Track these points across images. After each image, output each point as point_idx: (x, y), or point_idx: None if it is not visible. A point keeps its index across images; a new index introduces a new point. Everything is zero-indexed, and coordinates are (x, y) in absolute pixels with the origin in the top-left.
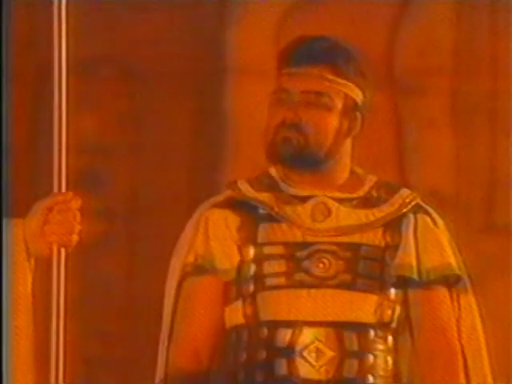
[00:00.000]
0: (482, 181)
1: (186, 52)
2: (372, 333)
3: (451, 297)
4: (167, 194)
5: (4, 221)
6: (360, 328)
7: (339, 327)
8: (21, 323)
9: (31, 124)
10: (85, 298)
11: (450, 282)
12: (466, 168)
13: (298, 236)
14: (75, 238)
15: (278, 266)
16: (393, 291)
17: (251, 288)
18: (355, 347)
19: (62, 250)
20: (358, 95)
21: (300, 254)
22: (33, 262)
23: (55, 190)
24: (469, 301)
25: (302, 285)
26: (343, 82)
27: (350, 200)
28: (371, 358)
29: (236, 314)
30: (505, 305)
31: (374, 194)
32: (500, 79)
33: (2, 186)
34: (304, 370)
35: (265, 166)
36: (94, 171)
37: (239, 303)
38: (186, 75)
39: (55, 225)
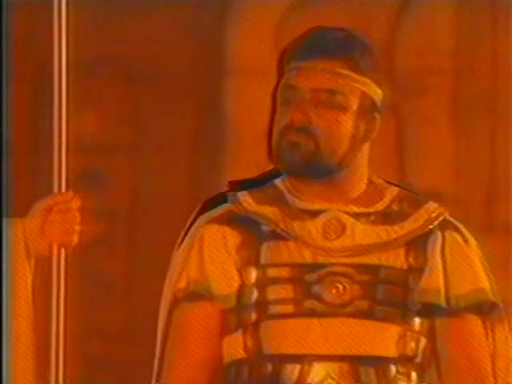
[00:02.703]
0: (482, 181)
1: (186, 52)
2: (393, 368)
3: (485, 328)
4: (167, 194)
5: (4, 221)
6: (379, 363)
7: (355, 362)
8: (21, 323)
9: (31, 124)
10: (85, 298)
11: (484, 310)
12: (466, 168)
13: (307, 256)
14: (75, 238)
15: (284, 292)
16: (417, 320)
17: (253, 317)
18: None
19: (62, 250)
20: (376, 93)
21: (310, 277)
22: (33, 261)
23: (55, 190)
24: (505, 333)
25: (312, 313)
26: (360, 78)
27: (368, 215)
28: None
29: (235, 347)
30: (504, 305)
31: (396, 207)
32: (500, 79)
33: (2, 186)
34: None
35: (265, 166)
36: (94, 171)
37: (239, 334)
38: (186, 76)
39: (55, 225)
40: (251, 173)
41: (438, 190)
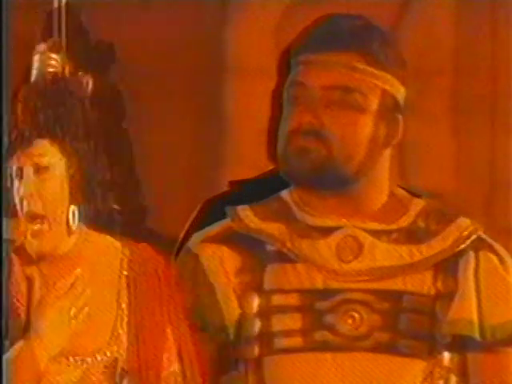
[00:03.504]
0: (482, 181)
1: (185, 52)
2: None
3: None
4: (167, 193)
5: (4, 221)
6: None
7: None
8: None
9: None
10: None
11: None
12: (466, 168)
13: (318, 281)
14: None
15: (291, 322)
16: (446, 355)
17: (256, 351)
18: None
19: None
20: (398, 91)
21: (321, 305)
22: None
23: None
24: None
25: (323, 347)
26: (379, 73)
27: (389, 232)
28: None
29: None
30: None
31: (422, 224)
32: (500, 79)
33: (2, 186)
34: None
35: (265, 166)
36: None
37: (240, 372)
38: (185, 75)
39: None
40: (251, 173)
41: (438, 190)
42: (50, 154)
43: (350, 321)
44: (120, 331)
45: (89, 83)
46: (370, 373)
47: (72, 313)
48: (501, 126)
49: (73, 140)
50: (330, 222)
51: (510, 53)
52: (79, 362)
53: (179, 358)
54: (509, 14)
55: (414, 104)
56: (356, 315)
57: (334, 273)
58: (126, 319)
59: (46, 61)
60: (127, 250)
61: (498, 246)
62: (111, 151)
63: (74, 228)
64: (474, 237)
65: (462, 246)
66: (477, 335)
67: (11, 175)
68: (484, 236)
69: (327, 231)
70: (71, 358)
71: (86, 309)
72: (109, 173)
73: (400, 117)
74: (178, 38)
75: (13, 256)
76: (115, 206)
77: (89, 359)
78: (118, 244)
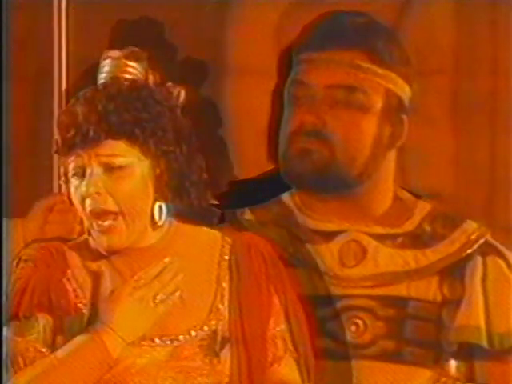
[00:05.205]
0: (481, 181)
1: (185, 52)
2: None
3: None
4: None
5: (4, 221)
6: None
7: None
8: None
9: (31, 124)
10: None
11: None
12: (466, 168)
13: (320, 287)
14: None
15: None
16: (453, 364)
17: None
18: None
19: None
20: (403, 91)
21: (323, 311)
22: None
23: (55, 190)
24: None
25: (326, 355)
26: (384, 72)
27: (394, 237)
28: None
29: None
30: None
31: (427, 228)
32: (500, 79)
33: (2, 186)
34: None
35: (265, 166)
36: None
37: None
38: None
39: (55, 225)
40: (251, 173)
41: (437, 190)
42: (127, 155)
43: (353, 328)
44: (220, 306)
45: (180, 94)
46: (373, 381)
47: (158, 299)
48: (501, 126)
49: (159, 143)
50: (332, 226)
51: (510, 53)
52: (168, 342)
53: (286, 319)
54: (509, 13)
55: (414, 104)
56: (360, 322)
57: (336, 278)
58: (226, 296)
59: (122, 67)
60: (229, 238)
61: (505, 251)
62: (208, 154)
63: (159, 223)
64: (481, 241)
65: (470, 251)
66: (484, 343)
67: (66, 174)
68: (491, 240)
69: (329, 235)
70: (157, 340)
71: (178, 293)
72: (205, 173)
73: (405, 117)
74: (178, 37)
75: (68, 253)
76: (214, 202)
77: (181, 337)
78: (217, 233)
